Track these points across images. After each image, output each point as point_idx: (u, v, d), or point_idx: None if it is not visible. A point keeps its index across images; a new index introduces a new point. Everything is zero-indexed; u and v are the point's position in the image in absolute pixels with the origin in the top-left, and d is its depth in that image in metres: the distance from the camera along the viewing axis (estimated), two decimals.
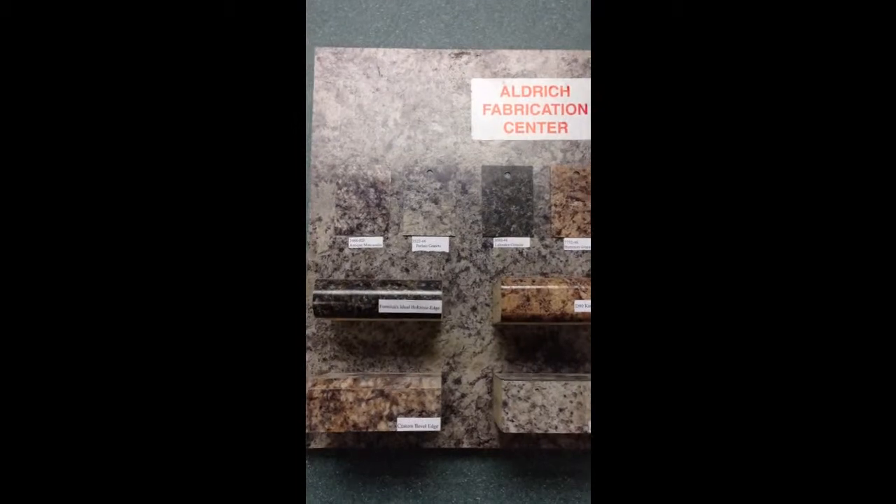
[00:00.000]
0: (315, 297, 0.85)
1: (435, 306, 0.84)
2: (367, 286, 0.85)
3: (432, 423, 0.82)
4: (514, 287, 0.85)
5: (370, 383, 0.83)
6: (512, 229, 1.00)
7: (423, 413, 0.82)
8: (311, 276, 0.99)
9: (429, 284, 0.86)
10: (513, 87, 1.05)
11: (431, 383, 0.83)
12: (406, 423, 0.82)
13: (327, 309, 0.85)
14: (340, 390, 0.82)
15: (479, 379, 0.97)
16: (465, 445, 0.95)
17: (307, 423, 0.82)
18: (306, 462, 0.96)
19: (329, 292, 0.85)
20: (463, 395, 0.97)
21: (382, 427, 0.82)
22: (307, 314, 0.98)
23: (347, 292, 0.85)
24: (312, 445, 0.95)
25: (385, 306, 0.84)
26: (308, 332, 0.97)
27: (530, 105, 1.04)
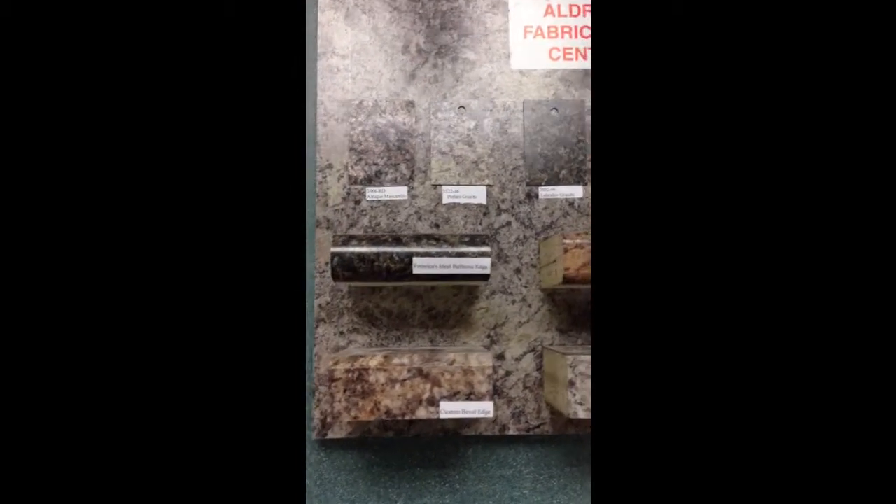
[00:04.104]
0: (333, 255, 0.68)
1: (482, 265, 0.68)
2: (399, 241, 0.69)
3: (483, 409, 0.67)
4: (579, 241, 0.69)
5: (405, 360, 0.67)
6: (561, 176, 0.84)
7: (471, 396, 0.67)
8: (321, 234, 0.82)
9: (473, 239, 0.70)
10: (559, 6, 0.87)
11: (481, 359, 0.67)
12: (451, 409, 0.66)
13: (349, 270, 0.68)
14: (369, 369, 0.66)
15: (525, 353, 0.82)
16: (511, 432, 0.80)
17: (329, 408, 0.66)
18: (323, 455, 0.81)
19: (351, 249, 0.68)
20: (508, 373, 0.81)
21: (422, 413, 0.66)
22: (318, 277, 0.81)
23: (374, 249, 0.68)
24: (330, 435, 0.79)
25: (420, 266, 0.68)
26: (321, 300, 0.81)
27: (580, 27, 0.87)
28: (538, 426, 0.81)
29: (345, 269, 0.68)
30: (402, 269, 0.68)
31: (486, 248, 0.69)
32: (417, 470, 0.81)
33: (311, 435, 0.79)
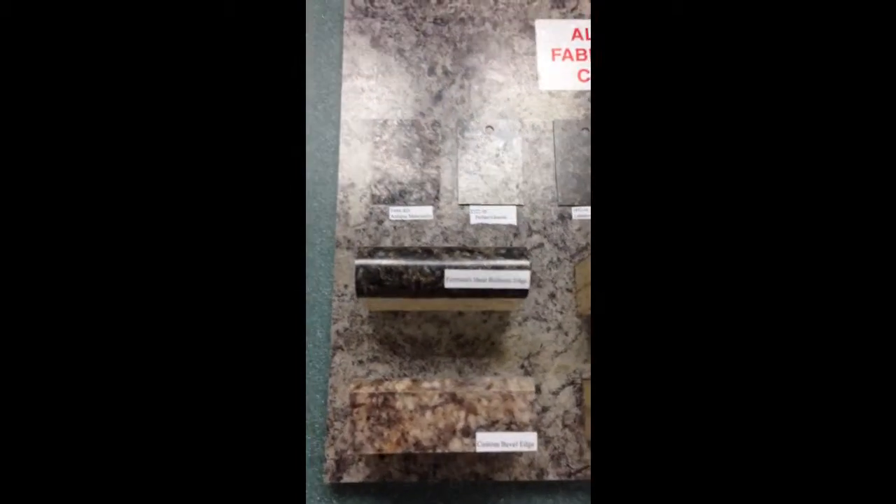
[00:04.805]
0: (359, 268, 0.62)
1: (521, 279, 0.62)
2: (430, 254, 0.63)
3: (525, 441, 0.59)
4: None
5: (436, 384, 0.60)
6: None
7: (511, 426, 0.59)
8: (341, 255, 0.77)
9: (510, 252, 0.64)
10: (586, 30, 0.87)
11: (522, 384, 0.60)
12: (489, 441, 0.58)
13: (375, 283, 0.62)
14: (396, 393, 0.59)
15: (564, 387, 0.74)
16: (550, 477, 0.71)
17: (351, 440, 0.58)
18: (335, 502, 0.71)
19: (378, 262, 0.63)
20: (545, 409, 0.73)
21: (456, 446, 0.58)
22: (337, 301, 0.75)
23: (403, 262, 0.63)
24: (345, 478, 0.70)
25: (453, 279, 0.62)
26: (338, 326, 0.74)
27: None
28: (580, 470, 0.72)
29: (370, 282, 0.62)
30: (434, 282, 0.62)
31: (524, 262, 0.63)
32: None
33: (324, 479, 0.70)
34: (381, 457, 0.70)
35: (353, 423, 0.58)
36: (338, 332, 0.74)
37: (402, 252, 0.64)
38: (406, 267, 0.62)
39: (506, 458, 0.71)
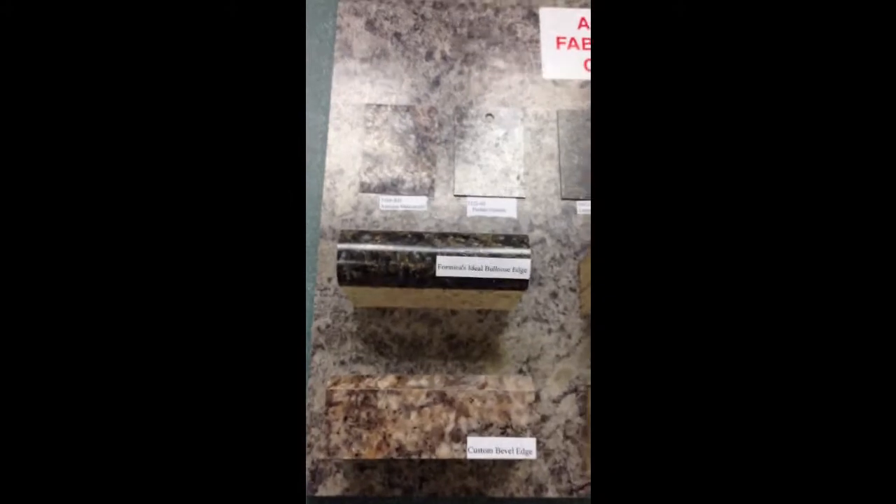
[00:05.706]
0: (342, 253, 0.56)
1: (520, 268, 0.56)
2: (420, 239, 0.57)
3: (523, 448, 0.52)
4: None
5: (423, 382, 0.53)
6: None
7: (507, 430, 0.52)
8: (326, 246, 0.71)
9: (509, 239, 0.58)
10: None
11: (519, 383, 0.53)
12: (482, 447, 0.51)
13: (359, 270, 0.56)
14: (378, 391, 0.52)
15: (566, 394, 0.67)
16: (549, 493, 0.64)
17: (326, 443, 0.51)
18: None
19: (363, 246, 0.57)
20: (545, 418, 0.66)
21: (444, 452, 0.51)
22: (319, 295, 0.68)
23: (390, 247, 0.57)
24: (320, 492, 0.62)
25: (446, 266, 0.56)
26: (320, 322, 0.68)
27: None
28: (583, 487, 0.64)
29: (354, 268, 0.56)
30: (424, 270, 0.56)
31: (525, 250, 0.57)
32: None
33: None
34: (362, 467, 0.63)
35: (329, 423, 0.51)
36: (319, 329, 0.68)
37: (389, 236, 0.58)
38: (394, 252, 0.56)
39: (501, 472, 0.64)
